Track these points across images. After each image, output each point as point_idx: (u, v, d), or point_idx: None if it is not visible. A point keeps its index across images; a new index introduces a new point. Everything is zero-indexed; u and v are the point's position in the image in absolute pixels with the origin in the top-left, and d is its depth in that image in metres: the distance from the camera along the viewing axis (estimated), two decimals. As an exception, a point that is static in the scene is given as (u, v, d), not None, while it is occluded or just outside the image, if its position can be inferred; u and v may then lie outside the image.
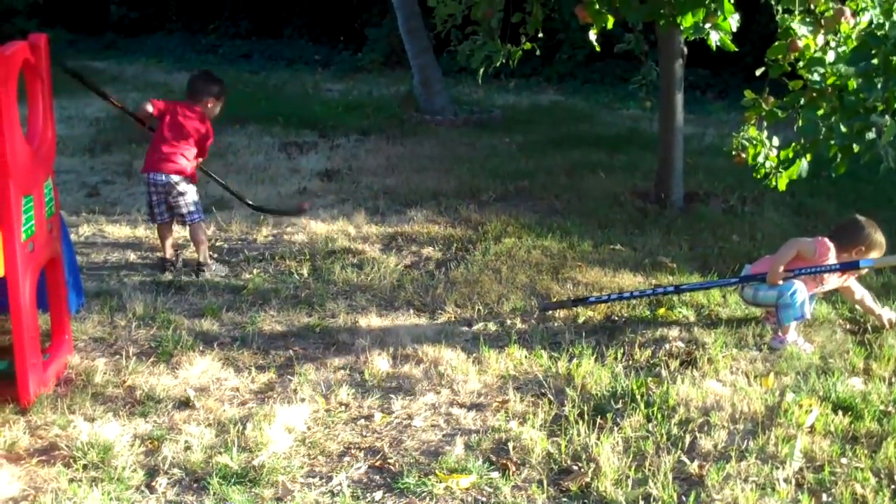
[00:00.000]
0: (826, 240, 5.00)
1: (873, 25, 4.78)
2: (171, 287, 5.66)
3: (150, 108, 6.00)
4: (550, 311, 5.32)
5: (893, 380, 4.45)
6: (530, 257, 6.21)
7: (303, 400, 4.23)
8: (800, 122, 5.61)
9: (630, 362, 4.67)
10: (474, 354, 4.74)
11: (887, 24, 4.50)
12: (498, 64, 6.51)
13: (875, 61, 4.32)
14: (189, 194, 6.05)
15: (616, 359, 4.68)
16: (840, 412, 4.07)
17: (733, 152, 6.19)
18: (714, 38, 5.27)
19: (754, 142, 6.06)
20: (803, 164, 5.77)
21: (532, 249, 6.35)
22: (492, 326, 5.18)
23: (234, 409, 4.15)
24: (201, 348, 4.77)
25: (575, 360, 4.63)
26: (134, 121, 6.23)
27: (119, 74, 14.61)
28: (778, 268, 4.88)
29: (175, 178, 6.00)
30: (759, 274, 4.98)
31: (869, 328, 5.11)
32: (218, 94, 6.21)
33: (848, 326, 5.18)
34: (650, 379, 4.43)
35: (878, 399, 4.19)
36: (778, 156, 5.96)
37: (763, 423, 3.98)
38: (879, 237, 4.98)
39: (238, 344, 4.84)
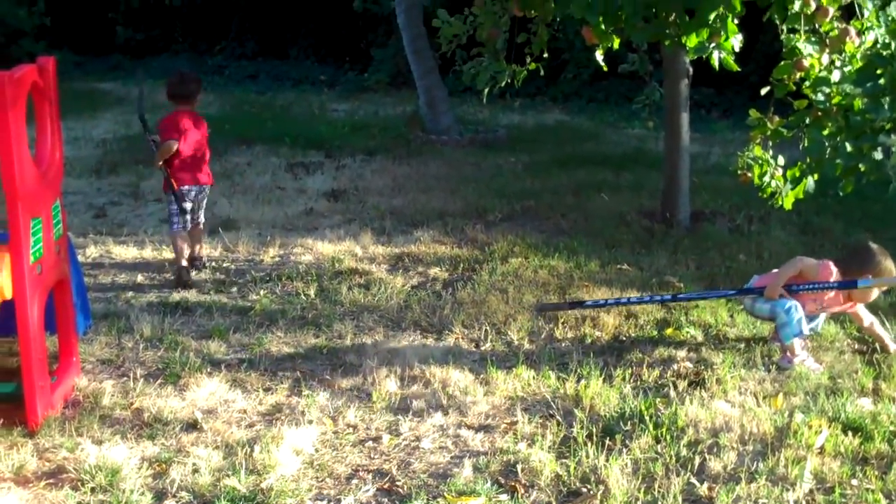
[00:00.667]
0: (830, 263, 5.00)
1: (879, 45, 4.79)
2: (179, 308, 5.66)
3: (175, 147, 6.22)
4: (548, 313, 5.38)
5: (903, 400, 4.44)
6: (537, 277, 6.20)
7: (310, 422, 4.23)
8: (805, 142, 5.62)
9: (638, 383, 4.66)
10: (482, 375, 4.73)
11: (893, 44, 4.50)
12: (503, 84, 6.52)
13: (881, 81, 4.31)
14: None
15: (624, 379, 4.67)
16: (850, 433, 4.05)
17: (738, 171, 6.16)
18: (717, 58, 5.27)
19: (760, 161, 6.04)
20: (809, 183, 5.76)
21: (539, 269, 6.35)
22: (499, 347, 5.17)
23: (242, 431, 4.15)
24: (209, 370, 4.77)
25: (583, 381, 4.62)
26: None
27: (125, 95, 14.66)
28: (779, 283, 4.89)
29: (208, 187, 6.58)
30: (758, 288, 4.99)
31: (878, 348, 5.10)
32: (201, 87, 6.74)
33: (857, 347, 5.17)
34: (659, 399, 4.42)
35: (887, 420, 4.17)
36: (784, 175, 5.95)
37: (773, 444, 3.97)
38: (890, 265, 4.96)
39: (245, 365, 4.84)
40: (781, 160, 6.00)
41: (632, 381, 4.68)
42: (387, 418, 4.29)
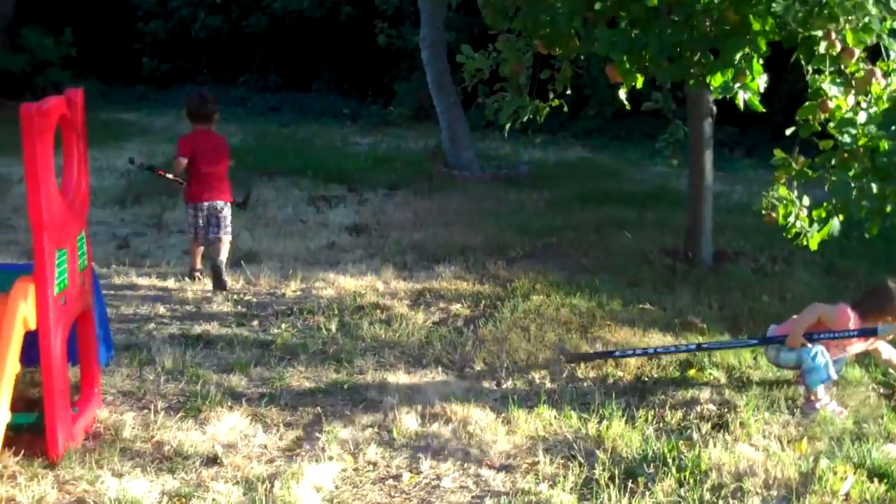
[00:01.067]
0: (847, 308, 4.95)
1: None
2: (200, 341, 5.67)
3: (184, 163, 6.75)
4: (573, 363, 5.31)
5: (930, 446, 4.39)
6: (559, 315, 6.18)
7: (331, 458, 4.21)
8: (829, 183, 5.59)
9: (661, 424, 4.62)
10: (503, 414, 4.71)
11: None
12: (525, 119, 6.54)
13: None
14: (230, 216, 6.93)
15: (647, 421, 4.63)
16: (876, 479, 4.00)
17: (763, 211, 6.13)
18: (742, 98, 5.27)
19: (784, 201, 6.01)
20: (835, 224, 5.73)
21: (561, 307, 6.32)
22: (520, 385, 5.15)
23: (262, 466, 4.14)
24: (230, 404, 4.76)
25: (605, 422, 4.59)
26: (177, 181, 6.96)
27: (149, 126, 14.77)
28: (798, 331, 4.86)
29: (221, 203, 6.87)
30: (779, 336, 4.95)
31: (902, 389, 5.05)
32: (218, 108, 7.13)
33: (882, 390, 5.12)
34: (682, 442, 4.38)
35: (915, 466, 4.12)
36: (809, 215, 5.92)
37: (797, 490, 3.93)
38: None
39: (266, 400, 4.83)
40: (806, 200, 5.97)
41: (654, 422, 4.64)
42: (407, 456, 4.27)
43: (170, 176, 6.92)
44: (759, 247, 7.88)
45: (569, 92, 6.39)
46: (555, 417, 4.68)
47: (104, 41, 18.25)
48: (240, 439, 4.39)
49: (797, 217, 5.99)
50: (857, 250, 7.83)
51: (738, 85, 5.22)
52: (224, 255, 6.85)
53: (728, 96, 5.27)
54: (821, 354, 4.77)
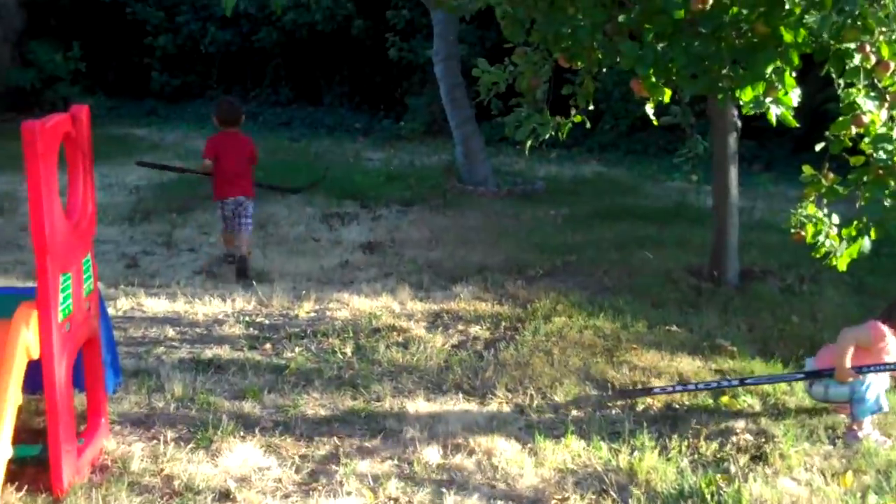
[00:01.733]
0: (878, 323, 4.72)
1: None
2: (211, 366, 5.46)
3: (208, 163, 7.60)
4: (615, 400, 5.07)
5: (982, 480, 4.15)
6: (582, 338, 5.96)
7: (349, 493, 4.01)
8: (863, 200, 5.38)
9: (696, 456, 4.40)
10: (529, 445, 4.49)
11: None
12: (546, 136, 6.32)
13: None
14: (251, 209, 7.72)
15: (680, 452, 4.41)
16: (929, 517, 3.78)
17: (791, 230, 5.92)
18: (775, 113, 5.03)
19: (813, 219, 5.79)
20: (865, 242, 5.51)
21: (584, 329, 6.10)
22: (546, 413, 4.93)
23: (277, 502, 3.92)
24: (242, 434, 4.55)
25: (637, 453, 4.37)
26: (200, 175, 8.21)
27: (159, 142, 14.59)
28: (843, 364, 4.61)
29: (244, 198, 7.64)
30: (827, 370, 4.70)
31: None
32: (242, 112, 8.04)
33: (927, 419, 4.88)
34: (719, 475, 4.16)
35: (968, 502, 3.89)
36: (839, 234, 5.70)
37: (846, 529, 3.70)
38: None
39: (280, 429, 4.62)
40: (836, 219, 5.75)
41: (689, 453, 4.42)
42: (429, 491, 4.05)
43: (178, 164, 8.21)
44: (785, 265, 7.65)
45: (591, 107, 6.17)
46: (584, 448, 4.46)
47: (113, 56, 18.10)
48: (253, 472, 4.18)
49: (827, 236, 5.78)
50: (887, 267, 7.60)
51: (769, 99, 4.99)
52: (247, 248, 7.57)
53: (759, 111, 5.04)
54: (874, 385, 4.54)
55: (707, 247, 7.66)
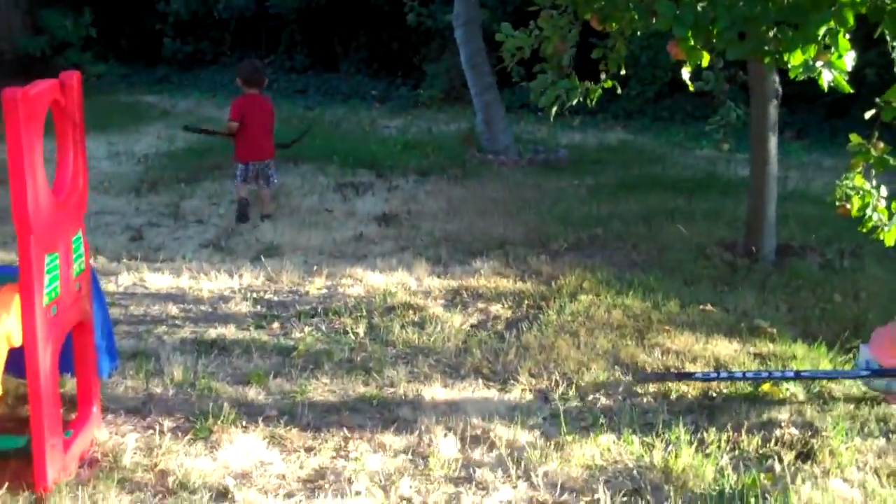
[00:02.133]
0: None
1: None
2: (214, 347, 5.13)
3: (235, 126, 7.84)
4: (644, 384, 4.70)
5: None
6: (611, 318, 5.59)
7: (358, 493, 3.67)
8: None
9: (736, 452, 4.02)
10: (554, 438, 4.13)
11: None
12: (574, 102, 5.92)
13: None
14: (274, 168, 8.18)
15: (720, 447, 4.04)
16: None
17: (837, 203, 5.51)
18: (827, 79, 4.61)
19: (860, 191, 5.39)
20: (922, 220, 5.13)
21: (612, 309, 5.73)
22: (572, 401, 4.56)
23: (279, 501, 3.59)
24: (244, 423, 4.22)
25: (671, 449, 4.00)
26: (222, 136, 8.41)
27: (171, 109, 14.24)
28: None
29: (269, 160, 8.05)
30: (893, 369, 4.29)
31: None
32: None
33: None
34: (763, 475, 3.79)
35: None
36: (888, 207, 5.30)
37: (909, 539, 3.33)
38: None
39: (286, 419, 4.28)
40: (884, 191, 5.36)
41: (728, 449, 4.05)
42: (446, 490, 3.71)
43: (212, 128, 8.50)
44: (824, 240, 7.24)
45: (623, 72, 5.76)
46: (614, 442, 4.10)
47: (125, 22, 17.75)
48: (254, 468, 3.85)
49: (875, 209, 5.38)
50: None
51: (820, 63, 4.56)
52: (269, 209, 7.98)
53: (809, 76, 4.61)
54: None
55: (740, 220, 7.27)
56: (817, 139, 11.98)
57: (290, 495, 3.66)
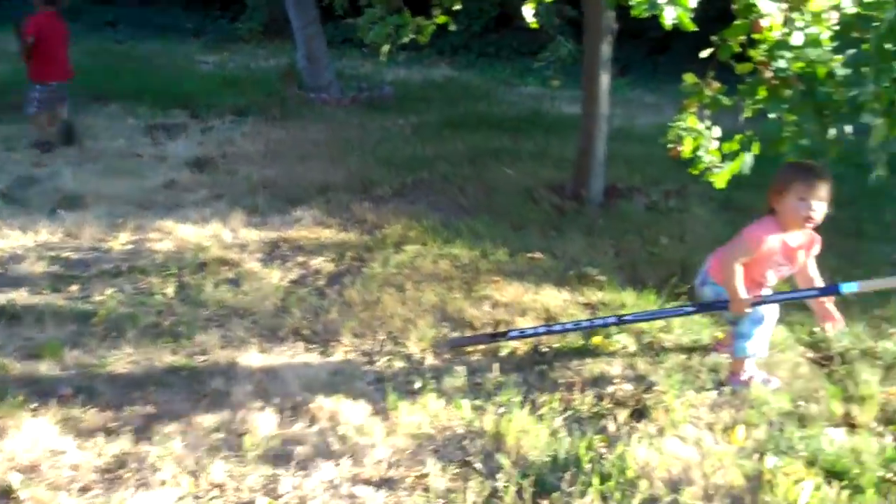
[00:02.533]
0: (751, 227, 4.03)
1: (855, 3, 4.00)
2: (3, 315, 4.61)
3: (30, 41, 7.61)
4: (461, 347, 4.44)
5: (882, 429, 3.75)
6: (438, 269, 5.34)
7: (164, 482, 3.30)
8: (748, 112, 4.88)
9: (570, 413, 3.84)
10: (380, 405, 3.86)
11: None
12: (406, 40, 5.60)
13: (865, 47, 3.56)
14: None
15: (552, 408, 3.85)
16: (833, 481, 3.33)
17: (668, 144, 5.39)
18: (669, 16, 4.39)
19: (693, 133, 5.28)
20: (747, 159, 5.05)
21: (439, 259, 5.48)
22: (398, 363, 4.29)
23: (73, 499, 3.19)
24: (34, 405, 3.76)
25: (504, 412, 3.79)
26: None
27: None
28: (736, 294, 4.02)
29: (67, 82, 7.92)
30: (721, 303, 4.14)
31: (835, 356, 4.40)
32: None
33: (811, 355, 4.46)
34: (598, 438, 3.61)
35: (872, 460, 3.46)
36: (720, 149, 5.22)
37: (746, 502, 3.22)
38: (809, 177, 3.88)
39: (83, 397, 3.85)
40: (717, 131, 5.27)
41: (561, 410, 3.86)
42: (263, 472, 3.38)
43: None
44: (650, 180, 7.19)
45: (458, 7, 5.46)
46: (443, 408, 3.85)
47: None
48: (44, 458, 3.42)
49: (706, 151, 5.29)
50: (754, 182, 7.17)
51: (664, 0, 4.33)
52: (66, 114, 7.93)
53: (652, 14, 4.38)
54: (765, 323, 4.02)
55: (567, 160, 7.15)
56: (640, 75, 12.02)
57: (85, 490, 3.26)
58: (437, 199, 6.78)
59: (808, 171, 3.91)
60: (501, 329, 4.57)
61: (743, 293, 3.96)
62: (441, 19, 5.70)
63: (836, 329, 4.15)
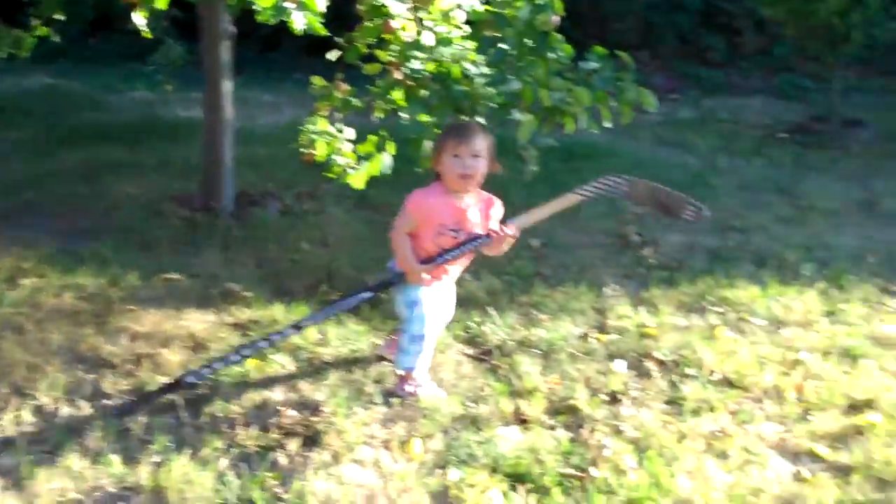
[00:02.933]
0: (413, 195, 3.81)
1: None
2: None
3: None
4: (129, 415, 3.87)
5: (553, 422, 3.75)
6: (62, 303, 4.76)
7: None
8: (379, 113, 4.81)
9: (235, 451, 3.50)
10: (14, 474, 3.31)
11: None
12: (3, 55, 4.99)
13: (504, 46, 3.53)
14: None
15: (216, 448, 3.50)
16: (518, 486, 3.27)
17: (301, 149, 5.20)
18: (299, 22, 4.13)
19: (326, 137, 5.12)
20: (386, 160, 4.98)
21: (62, 291, 4.89)
22: (28, 417, 3.72)
23: None
24: None
25: (160, 461, 3.38)
26: None
27: None
28: (408, 263, 3.82)
29: None
30: (394, 275, 3.90)
31: (493, 350, 4.39)
32: None
33: (470, 351, 4.42)
34: (269, 475, 3.32)
35: (550, 457, 3.43)
36: (355, 151, 5.10)
37: (436, 521, 3.08)
38: (457, 127, 3.86)
39: None
40: (351, 133, 5.15)
41: (225, 449, 3.51)
42: None
43: None
44: (282, 184, 6.95)
45: (61, 17, 4.89)
46: (89, 466, 3.38)
47: None
48: None
49: (339, 153, 5.15)
50: (386, 179, 7.17)
51: (292, 5, 4.06)
52: None
53: (279, 20, 4.10)
54: (427, 307, 3.85)
55: (192, 168, 6.76)
56: (254, 74, 11.73)
57: None
58: (52, 222, 6.11)
59: (459, 127, 3.84)
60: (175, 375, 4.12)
61: (414, 262, 3.79)
62: (42, 31, 5.13)
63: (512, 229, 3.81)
